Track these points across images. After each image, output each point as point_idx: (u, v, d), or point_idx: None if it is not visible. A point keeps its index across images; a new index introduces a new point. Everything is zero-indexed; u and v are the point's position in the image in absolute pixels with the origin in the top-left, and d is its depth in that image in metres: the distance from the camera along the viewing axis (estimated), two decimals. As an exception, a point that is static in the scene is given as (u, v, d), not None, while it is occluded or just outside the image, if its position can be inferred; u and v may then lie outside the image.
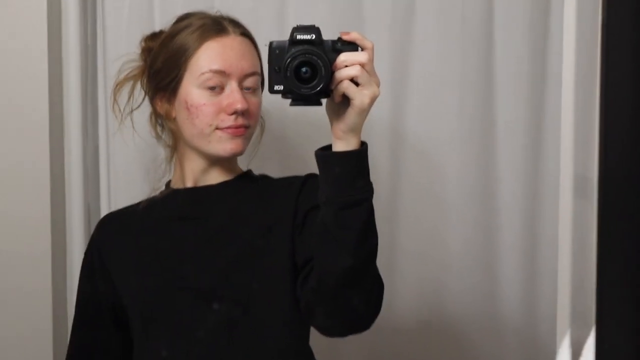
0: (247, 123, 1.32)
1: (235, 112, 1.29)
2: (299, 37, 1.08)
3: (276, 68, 1.09)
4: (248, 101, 1.31)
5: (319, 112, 1.12)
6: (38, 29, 1.68)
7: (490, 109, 1.75)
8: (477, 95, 1.74)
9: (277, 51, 1.10)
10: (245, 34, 1.37)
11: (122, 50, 1.66)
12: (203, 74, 1.30)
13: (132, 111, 1.48)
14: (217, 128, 1.30)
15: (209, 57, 1.31)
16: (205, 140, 1.31)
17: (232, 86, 1.31)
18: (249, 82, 1.33)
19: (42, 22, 1.68)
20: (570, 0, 1.60)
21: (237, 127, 1.30)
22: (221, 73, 1.30)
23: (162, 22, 1.66)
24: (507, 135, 1.75)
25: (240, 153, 1.34)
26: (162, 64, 1.35)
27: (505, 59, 1.74)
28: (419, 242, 1.77)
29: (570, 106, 1.63)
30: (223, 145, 1.31)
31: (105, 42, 1.76)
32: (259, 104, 1.36)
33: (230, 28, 1.35)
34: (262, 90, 1.36)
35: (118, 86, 1.46)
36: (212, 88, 1.30)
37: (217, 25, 1.34)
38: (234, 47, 1.33)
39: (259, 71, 1.36)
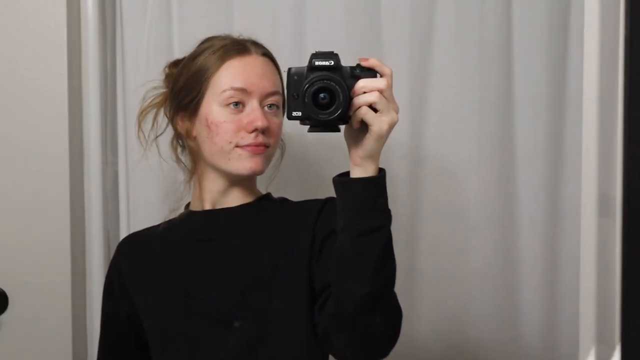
0: (267, 142, 1.32)
1: (255, 130, 1.29)
2: (317, 63, 1.08)
3: (295, 94, 1.09)
4: (269, 120, 1.31)
5: (339, 136, 1.13)
6: (58, 57, 1.70)
7: (510, 130, 1.74)
8: (496, 117, 1.73)
9: (296, 77, 1.10)
10: (267, 54, 1.38)
11: (141, 77, 1.69)
12: (224, 91, 1.31)
13: (156, 137, 1.48)
14: (236, 146, 1.30)
15: (231, 75, 1.32)
16: (225, 158, 1.31)
17: (253, 104, 1.31)
18: (270, 101, 1.33)
19: (62, 50, 1.70)
20: (590, 19, 1.60)
21: (257, 145, 1.30)
22: (242, 91, 1.31)
23: (181, 50, 1.68)
24: (527, 156, 1.74)
25: (260, 172, 1.34)
26: (184, 83, 1.36)
27: (524, 80, 1.73)
28: (438, 264, 1.76)
29: (593, 124, 1.62)
30: (242, 164, 1.31)
31: (124, 69, 1.77)
32: (280, 123, 1.36)
33: (252, 48, 1.36)
34: (284, 114, 1.36)
35: (143, 113, 1.47)
36: (233, 105, 1.30)
37: (239, 45, 1.35)
38: (255, 66, 1.33)
39: (280, 91, 1.36)
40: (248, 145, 1.30)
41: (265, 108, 1.32)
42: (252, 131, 1.29)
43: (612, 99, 1.61)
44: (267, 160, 1.35)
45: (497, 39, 1.72)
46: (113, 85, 1.81)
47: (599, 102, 1.58)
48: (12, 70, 1.71)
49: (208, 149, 1.34)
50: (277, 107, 1.35)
